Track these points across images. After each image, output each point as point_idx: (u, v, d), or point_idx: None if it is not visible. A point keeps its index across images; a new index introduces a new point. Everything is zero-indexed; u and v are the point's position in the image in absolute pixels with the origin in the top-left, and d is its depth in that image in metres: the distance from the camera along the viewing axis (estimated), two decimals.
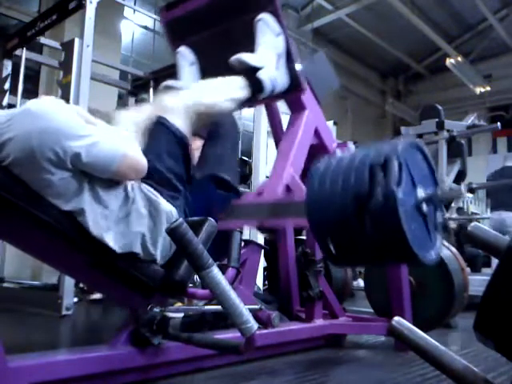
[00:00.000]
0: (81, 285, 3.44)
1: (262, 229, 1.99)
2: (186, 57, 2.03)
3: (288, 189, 1.92)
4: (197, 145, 2.94)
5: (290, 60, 1.90)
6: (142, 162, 1.30)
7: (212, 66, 2.00)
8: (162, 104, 1.54)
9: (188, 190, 1.49)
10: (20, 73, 3.68)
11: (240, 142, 3.27)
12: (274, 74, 1.82)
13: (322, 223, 1.46)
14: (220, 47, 2.00)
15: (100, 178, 1.23)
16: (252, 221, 1.84)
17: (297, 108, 2.09)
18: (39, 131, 1.12)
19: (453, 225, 4.85)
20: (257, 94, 1.80)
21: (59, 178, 1.15)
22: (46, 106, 1.18)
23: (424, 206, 1.41)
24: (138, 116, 1.57)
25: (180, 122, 1.49)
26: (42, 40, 3.60)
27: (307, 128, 2.06)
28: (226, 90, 1.70)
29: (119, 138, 1.29)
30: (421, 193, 1.41)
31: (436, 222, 1.49)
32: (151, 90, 4.39)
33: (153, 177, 1.36)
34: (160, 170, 1.39)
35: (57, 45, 3.63)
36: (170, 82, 1.96)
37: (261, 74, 1.77)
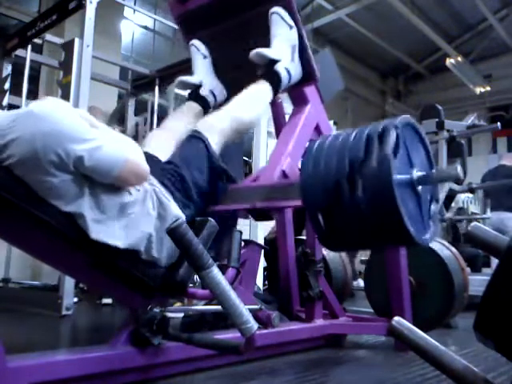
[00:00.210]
0: (80, 285, 3.44)
1: (255, 212, 1.96)
2: (199, 50, 2.07)
3: (284, 175, 1.91)
4: None
5: (303, 51, 1.94)
6: (144, 167, 1.29)
7: (225, 59, 2.04)
8: (206, 123, 1.68)
9: (204, 204, 1.54)
10: (25, 73, 3.68)
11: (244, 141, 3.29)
12: (289, 66, 1.88)
13: (315, 196, 1.44)
14: (233, 40, 2.03)
15: (101, 183, 1.23)
16: (245, 204, 1.82)
17: (300, 101, 2.10)
18: (43, 133, 1.12)
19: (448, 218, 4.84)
20: (276, 86, 1.86)
21: (61, 181, 1.15)
22: (50, 109, 1.18)
23: (419, 187, 1.40)
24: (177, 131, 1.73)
25: (214, 140, 1.62)
26: (47, 37, 3.58)
27: (308, 121, 2.06)
28: (259, 102, 1.81)
29: (122, 142, 1.28)
30: (416, 173, 1.41)
31: (432, 206, 1.49)
32: (156, 89, 4.39)
33: (173, 180, 1.42)
34: (183, 176, 1.46)
35: (61, 41, 3.61)
36: (184, 78, 1.99)
37: (278, 67, 1.84)
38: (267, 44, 1.89)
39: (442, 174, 1.51)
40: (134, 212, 1.28)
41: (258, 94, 1.82)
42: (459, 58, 9.81)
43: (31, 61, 3.81)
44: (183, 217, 1.38)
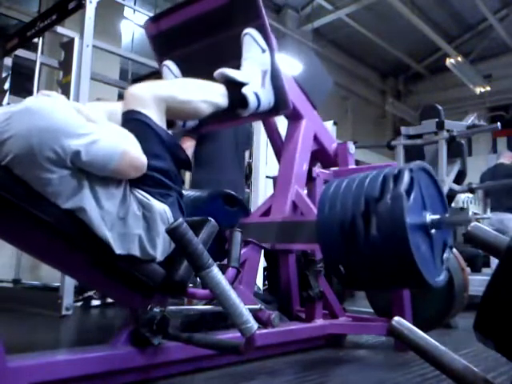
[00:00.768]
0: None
1: (273, 251, 2.02)
2: (171, 71, 2.00)
3: (294, 205, 1.93)
4: (187, 144, 2.95)
5: (276, 78, 1.83)
6: (142, 159, 1.29)
7: None
8: (133, 93, 1.43)
9: (179, 185, 1.46)
10: (35, 73, 3.66)
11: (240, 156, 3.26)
12: (258, 91, 1.76)
13: (332, 244, 1.47)
14: (206, 61, 1.96)
15: (99, 176, 1.22)
16: (263, 243, 1.86)
17: (293, 117, 2.09)
18: (39, 130, 1.12)
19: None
20: (241, 109, 1.74)
21: (59, 177, 1.15)
22: (45, 104, 1.18)
23: (433, 230, 1.43)
24: (110, 107, 1.51)
25: (156, 116, 1.40)
26: (59, 29, 3.54)
27: (306, 137, 2.07)
28: (204, 92, 1.62)
29: (119, 135, 1.28)
30: (430, 216, 1.44)
31: (444, 251, 1.51)
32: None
33: (140, 178, 1.31)
34: (146, 171, 1.32)
35: (68, 32, 3.57)
36: (146, 82, 1.93)
37: (245, 90, 1.71)
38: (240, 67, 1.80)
39: (454, 219, 1.54)
40: (125, 213, 1.27)
41: (207, 86, 1.64)
42: (459, 58, 9.81)
43: (31, 60, 3.81)
44: (167, 208, 1.34)
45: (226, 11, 1.89)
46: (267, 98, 1.80)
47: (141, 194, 1.32)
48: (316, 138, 2.13)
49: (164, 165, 1.38)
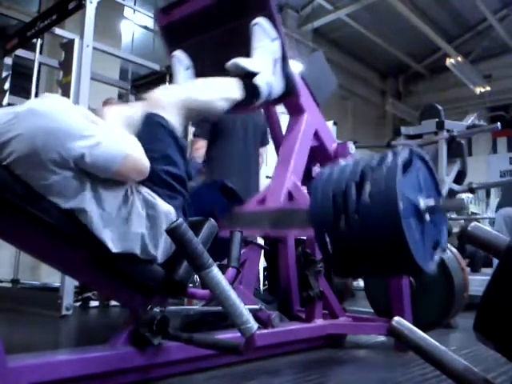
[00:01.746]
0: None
1: (266, 238, 2.00)
2: (181, 61, 2.02)
3: (290, 196, 1.92)
4: (199, 144, 2.95)
5: (285, 65, 1.88)
6: (145, 162, 1.30)
7: (207, 71, 1.98)
8: (155, 98, 1.49)
9: (187, 189, 1.47)
10: (34, 73, 3.65)
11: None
12: (270, 79, 1.80)
13: (323, 221, 1.45)
14: (216, 51, 1.98)
15: (102, 178, 1.23)
16: (256, 229, 1.84)
17: (295, 111, 2.09)
18: (43, 131, 1.13)
19: (455, 229, 4.81)
20: (254, 99, 1.78)
21: (61, 178, 1.15)
22: (51, 106, 1.19)
23: (426, 217, 1.42)
24: (129, 111, 1.53)
25: (173, 119, 1.45)
26: (58, 31, 3.55)
27: (306, 131, 2.06)
28: (221, 89, 1.67)
29: (122, 138, 1.29)
30: (423, 200, 1.43)
31: (440, 238, 1.50)
32: (167, 84, 4.37)
33: (150, 178, 1.34)
34: (157, 172, 1.36)
35: (67, 34, 3.58)
36: (165, 87, 1.95)
37: (257, 80, 1.75)
38: (250, 55, 1.83)
39: (448, 204, 1.53)
40: (127, 213, 1.28)
41: (222, 83, 1.70)
42: (459, 58, 9.82)
43: (31, 60, 3.81)
44: (173, 210, 1.35)
45: (235, 1, 1.92)
46: (278, 85, 1.86)
47: (148, 193, 1.34)
48: (316, 135, 2.13)
49: (175, 169, 1.41)
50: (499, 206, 4.65)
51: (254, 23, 1.84)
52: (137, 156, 1.28)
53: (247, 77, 1.74)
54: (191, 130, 3.38)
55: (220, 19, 1.97)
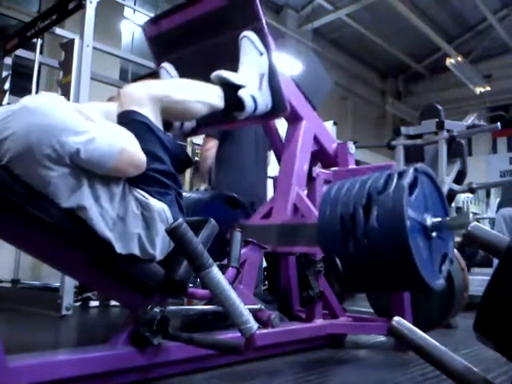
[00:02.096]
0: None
1: (275, 253, 2.01)
2: (169, 73, 2.00)
3: (295, 208, 1.93)
4: (210, 144, 2.95)
5: (273, 80, 1.83)
6: (141, 157, 1.28)
7: None
8: (128, 94, 1.41)
9: (178, 185, 1.44)
10: (34, 73, 3.64)
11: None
12: (256, 94, 1.75)
13: (332, 242, 1.47)
14: (204, 64, 1.95)
15: (99, 175, 1.22)
16: (264, 245, 1.86)
17: (293, 120, 2.09)
18: (37, 127, 1.12)
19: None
20: (237, 112, 1.73)
21: (58, 175, 1.15)
22: (44, 103, 1.18)
23: (433, 234, 1.42)
24: (105, 106, 1.51)
25: (150, 114, 1.39)
26: (58, 31, 3.56)
27: (306, 138, 2.07)
28: (199, 92, 1.60)
29: (117, 133, 1.27)
30: (430, 218, 1.44)
31: (444, 262, 1.51)
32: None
33: (138, 178, 1.31)
34: (145, 171, 1.32)
35: (67, 34, 3.59)
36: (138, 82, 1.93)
37: (242, 93, 1.70)
38: (237, 69, 1.79)
39: (455, 222, 1.53)
40: (124, 212, 1.27)
41: (203, 87, 1.63)
42: (459, 58, 9.82)
43: (31, 60, 3.81)
44: (166, 207, 1.34)
45: (224, 14, 1.89)
46: (264, 100, 1.79)
47: (139, 193, 1.32)
48: (316, 139, 2.13)
49: (162, 165, 1.37)
50: (499, 206, 4.64)
51: (242, 36, 1.81)
52: (133, 150, 1.26)
53: (231, 89, 1.69)
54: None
55: (209, 32, 1.94)
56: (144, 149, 1.31)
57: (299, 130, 2.05)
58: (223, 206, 2.18)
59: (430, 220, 1.42)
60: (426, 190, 1.48)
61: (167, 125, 1.66)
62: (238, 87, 1.70)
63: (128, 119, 1.35)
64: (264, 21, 1.83)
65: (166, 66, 2.02)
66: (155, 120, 1.39)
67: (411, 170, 1.43)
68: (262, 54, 1.81)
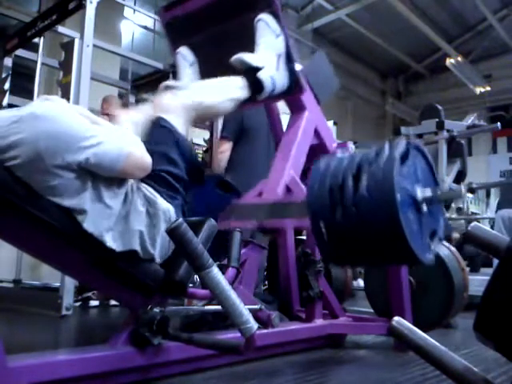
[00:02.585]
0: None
1: (262, 230, 1.98)
2: (185, 57, 2.04)
3: (288, 189, 1.92)
4: (225, 147, 2.93)
5: (289, 61, 1.89)
6: (147, 159, 1.32)
7: (212, 67, 2.00)
8: (161, 103, 1.54)
9: (187, 192, 1.49)
10: (36, 73, 3.65)
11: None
12: (274, 75, 1.82)
13: (320, 211, 1.45)
14: (220, 47, 2.00)
15: (104, 177, 1.24)
16: (252, 221, 1.83)
17: (297, 109, 2.09)
18: (46, 135, 1.14)
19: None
20: (257, 94, 1.80)
21: (64, 180, 1.16)
22: (53, 109, 1.20)
23: (424, 208, 1.41)
24: (137, 116, 1.58)
25: (179, 123, 1.50)
26: (60, 29, 3.57)
27: (307, 129, 2.06)
28: (226, 90, 1.70)
29: (124, 137, 1.31)
30: (421, 191, 1.42)
31: (436, 227, 1.49)
32: (171, 80, 4.35)
33: (151, 177, 1.38)
34: (158, 172, 1.40)
35: (69, 32, 3.60)
36: (169, 82, 1.96)
37: (261, 74, 1.77)
38: (254, 51, 1.84)
39: (445, 195, 1.52)
40: (127, 211, 1.29)
41: (227, 83, 1.73)
42: (459, 58, 9.82)
43: (31, 60, 3.81)
44: (172, 209, 1.37)
45: None
46: (281, 80, 1.87)
47: (149, 190, 1.36)
48: (317, 133, 2.13)
49: (175, 169, 1.44)
50: (499, 207, 4.65)
51: (258, 19, 1.86)
52: (138, 154, 1.30)
53: (251, 71, 1.77)
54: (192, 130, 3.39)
55: (224, 15, 1.98)
56: (164, 151, 1.41)
57: (301, 120, 2.06)
58: (216, 189, 2.17)
59: (420, 192, 1.41)
60: (418, 164, 1.46)
61: None
62: (258, 69, 1.77)
63: (158, 124, 1.49)
64: (278, 3, 1.88)
65: (183, 50, 2.05)
66: (179, 126, 1.49)
67: (403, 142, 1.43)
68: (278, 35, 1.87)
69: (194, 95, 1.61)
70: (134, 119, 1.55)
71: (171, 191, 1.41)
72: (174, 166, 1.44)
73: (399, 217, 1.30)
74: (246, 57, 1.77)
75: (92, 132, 1.21)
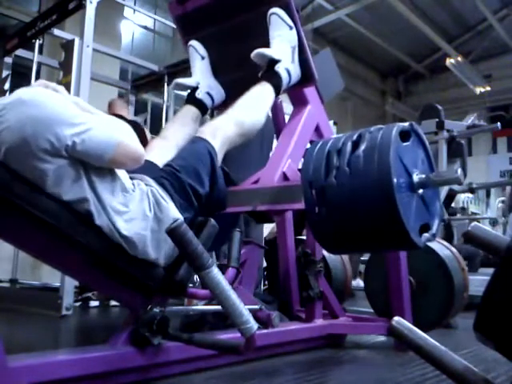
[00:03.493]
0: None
1: (256, 215, 1.95)
2: (197, 50, 2.05)
3: (285, 177, 1.90)
4: None
5: (303, 52, 1.93)
6: (139, 150, 1.27)
7: (224, 60, 2.02)
8: (205, 129, 1.65)
9: (199, 211, 1.50)
10: (33, 73, 3.65)
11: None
12: (289, 67, 1.86)
13: (313, 175, 1.45)
14: (232, 41, 2.02)
15: (95, 167, 1.21)
16: (247, 206, 1.81)
17: (300, 102, 2.09)
18: (32, 119, 1.11)
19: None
20: (277, 87, 1.84)
21: (56, 167, 1.13)
22: (39, 94, 1.16)
23: (420, 189, 1.41)
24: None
25: (218, 145, 1.59)
26: (57, 32, 3.59)
27: (308, 122, 2.05)
28: (262, 105, 1.78)
29: (114, 125, 1.25)
30: (417, 175, 1.42)
31: (433, 209, 1.48)
32: (165, 85, 4.37)
33: (172, 184, 1.40)
34: (182, 182, 1.43)
35: (67, 35, 3.60)
36: (180, 80, 1.98)
37: (279, 67, 1.82)
38: (267, 45, 1.87)
39: (442, 178, 1.50)
40: (130, 210, 1.27)
41: (261, 95, 1.79)
42: (459, 58, 9.83)
43: (31, 60, 3.81)
44: (181, 218, 1.34)
45: None
46: (296, 72, 1.91)
47: (162, 196, 1.35)
48: (318, 129, 2.12)
49: (200, 187, 1.48)
50: (510, 209, 4.65)
51: (271, 13, 1.89)
52: (129, 143, 1.24)
53: (270, 65, 1.81)
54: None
55: (236, 9, 1.99)
56: (194, 167, 1.48)
57: (303, 113, 2.05)
58: None
59: (416, 175, 1.41)
60: (416, 148, 1.47)
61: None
62: (275, 62, 1.82)
63: (197, 140, 1.60)
64: None
65: (194, 43, 2.07)
66: (218, 154, 1.60)
67: (406, 124, 1.45)
68: (291, 28, 1.91)
69: (236, 118, 1.69)
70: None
71: (186, 202, 1.43)
72: (199, 183, 1.47)
73: (392, 183, 1.30)
74: (267, 51, 1.81)
75: (81, 119, 1.17)
